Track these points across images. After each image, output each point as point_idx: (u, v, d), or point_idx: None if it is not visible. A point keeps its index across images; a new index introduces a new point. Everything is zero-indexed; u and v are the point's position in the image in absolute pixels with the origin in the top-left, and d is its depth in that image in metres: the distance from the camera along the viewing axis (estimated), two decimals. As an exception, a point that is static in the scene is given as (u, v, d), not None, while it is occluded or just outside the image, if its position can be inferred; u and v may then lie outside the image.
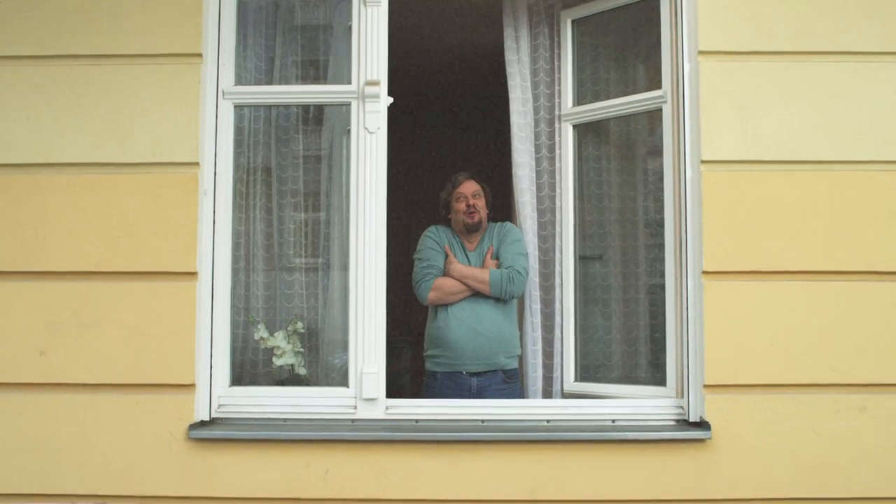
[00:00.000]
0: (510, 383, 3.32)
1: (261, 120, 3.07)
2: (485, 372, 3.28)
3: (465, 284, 3.30)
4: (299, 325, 3.00)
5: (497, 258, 3.37)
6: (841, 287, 2.63)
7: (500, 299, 3.29)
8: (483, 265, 3.37)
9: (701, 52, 2.69)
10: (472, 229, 3.46)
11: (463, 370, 3.28)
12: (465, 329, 3.27)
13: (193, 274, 2.68)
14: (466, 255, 3.44)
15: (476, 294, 3.30)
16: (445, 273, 3.35)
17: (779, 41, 2.69)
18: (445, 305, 3.32)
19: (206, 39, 2.76)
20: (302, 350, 3.00)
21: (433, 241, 3.46)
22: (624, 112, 3.08)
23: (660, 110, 2.87)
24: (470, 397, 3.21)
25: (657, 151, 2.90)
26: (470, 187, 3.47)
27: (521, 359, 3.41)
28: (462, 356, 3.27)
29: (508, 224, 3.46)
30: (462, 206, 3.45)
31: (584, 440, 2.65)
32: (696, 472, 2.62)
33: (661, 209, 2.85)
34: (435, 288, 3.32)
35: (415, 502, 2.64)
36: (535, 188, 3.41)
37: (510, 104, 3.39)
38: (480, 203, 3.46)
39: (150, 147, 2.69)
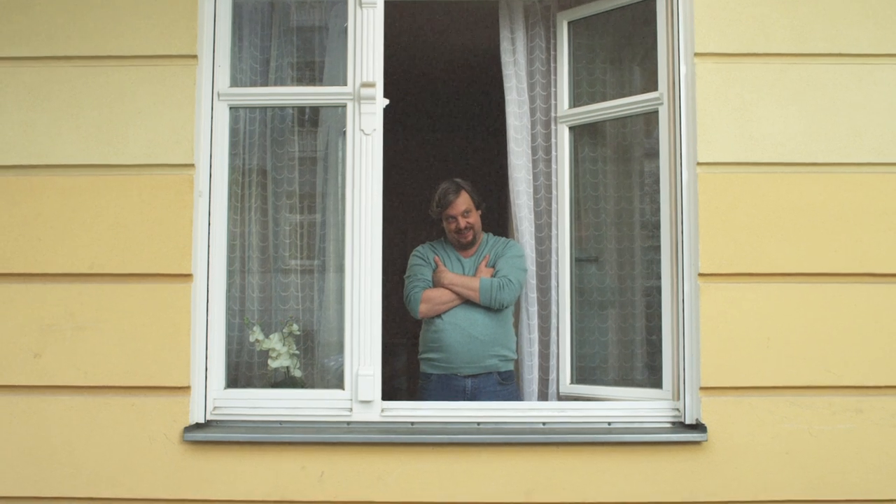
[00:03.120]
0: (505, 385, 3.30)
1: (256, 121, 3.05)
2: (479, 374, 3.26)
3: (455, 293, 3.26)
4: (295, 327, 2.99)
5: (493, 268, 3.32)
6: (837, 289, 2.63)
7: (490, 308, 3.26)
8: (476, 272, 3.33)
9: (697, 54, 2.68)
10: (466, 247, 3.42)
11: (457, 373, 3.26)
12: (459, 333, 3.24)
13: (189, 276, 2.67)
14: (462, 263, 3.40)
15: (469, 301, 3.27)
16: (435, 282, 3.32)
17: (775, 43, 2.68)
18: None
19: (202, 41, 2.74)
20: (297, 352, 2.99)
21: (420, 258, 3.42)
22: (620, 114, 3.07)
23: (656, 112, 2.86)
24: (464, 399, 3.18)
25: (653, 153, 2.89)
26: (459, 206, 3.33)
27: (517, 361, 3.38)
28: (457, 359, 3.25)
29: (512, 241, 3.37)
30: (453, 226, 3.36)
31: (581, 442, 2.65)
32: (692, 474, 2.61)
33: (657, 211, 2.85)
34: (424, 300, 3.27)
35: (410, 505, 2.63)
36: (531, 190, 3.38)
37: (506, 106, 3.36)
38: (472, 219, 3.36)
39: (145, 149, 2.68)
